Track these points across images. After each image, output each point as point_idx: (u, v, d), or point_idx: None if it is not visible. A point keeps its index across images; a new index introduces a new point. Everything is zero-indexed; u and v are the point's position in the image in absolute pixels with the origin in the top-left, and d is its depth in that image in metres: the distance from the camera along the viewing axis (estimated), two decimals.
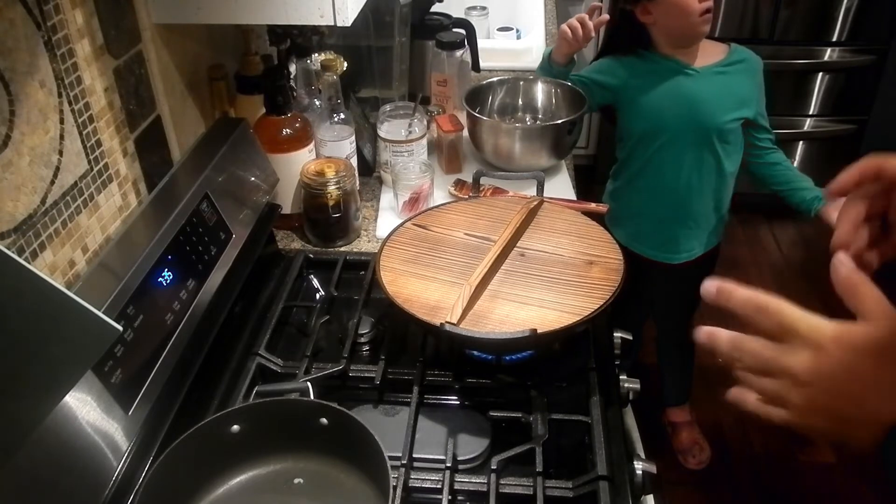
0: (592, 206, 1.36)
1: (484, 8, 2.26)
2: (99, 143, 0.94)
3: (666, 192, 1.67)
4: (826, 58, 2.82)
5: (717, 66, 1.59)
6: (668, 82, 1.58)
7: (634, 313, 2.07)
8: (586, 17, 1.54)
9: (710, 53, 1.60)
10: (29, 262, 0.73)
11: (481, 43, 1.86)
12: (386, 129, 1.48)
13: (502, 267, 1.08)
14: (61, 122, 0.86)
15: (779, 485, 2.10)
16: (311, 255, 1.29)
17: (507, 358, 1.04)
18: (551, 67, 1.64)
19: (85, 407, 0.76)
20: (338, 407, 0.87)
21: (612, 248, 1.10)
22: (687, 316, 2.02)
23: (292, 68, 1.41)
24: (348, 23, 1.02)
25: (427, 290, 1.03)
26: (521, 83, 1.73)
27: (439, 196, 1.46)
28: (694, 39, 1.56)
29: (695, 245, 1.75)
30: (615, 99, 1.65)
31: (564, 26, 1.55)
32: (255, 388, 0.98)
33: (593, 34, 1.55)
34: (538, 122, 1.70)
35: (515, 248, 1.12)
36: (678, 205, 1.68)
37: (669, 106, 1.59)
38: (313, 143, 1.35)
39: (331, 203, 1.29)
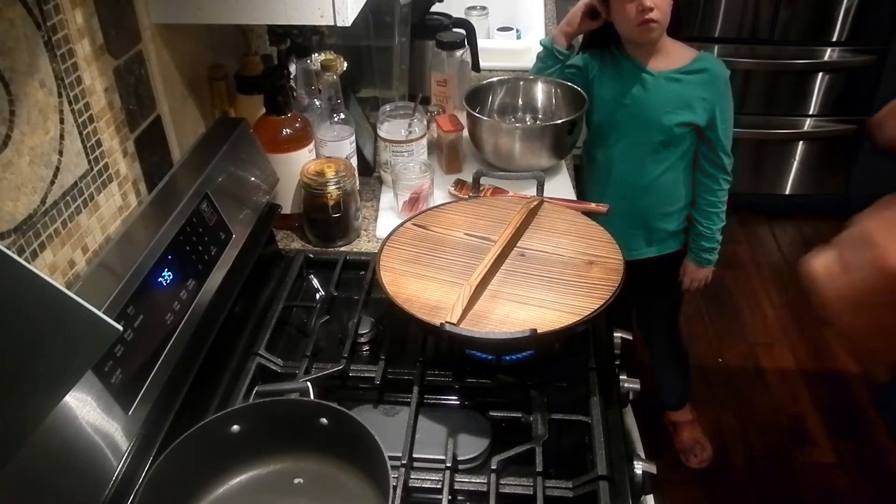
0: (592, 206, 1.36)
1: (484, 8, 2.26)
2: (99, 143, 0.94)
3: (612, 186, 1.71)
4: (826, 58, 2.82)
5: (674, 73, 1.60)
6: (624, 82, 1.62)
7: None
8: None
9: (674, 58, 1.61)
10: (29, 262, 0.73)
11: (481, 43, 1.86)
12: (386, 129, 1.48)
13: (502, 267, 1.08)
14: (61, 122, 0.86)
15: (779, 485, 2.10)
16: (311, 255, 1.29)
17: (507, 358, 1.04)
18: (553, 52, 1.66)
19: (85, 407, 0.76)
20: (338, 407, 0.87)
21: (612, 248, 1.10)
22: (666, 321, 2.03)
23: (292, 68, 1.41)
24: (348, 23, 1.02)
25: (427, 290, 1.03)
26: (521, 83, 1.73)
27: (439, 196, 1.46)
28: (642, 44, 1.58)
29: (643, 245, 1.77)
30: (587, 90, 1.68)
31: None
32: (255, 388, 0.98)
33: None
34: (538, 122, 1.70)
35: (515, 248, 1.12)
36: (623, 201, 1.70)
37: (620, 105, 1.63)
38: (313, 143, 1.35)
39: (331, 203, 1.29)
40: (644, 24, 1.51)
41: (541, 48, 1.71)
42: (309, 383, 0.95)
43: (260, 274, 1.22)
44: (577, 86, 1.63)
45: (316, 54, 1.46)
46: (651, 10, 1.48)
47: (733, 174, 1.69)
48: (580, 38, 1.68)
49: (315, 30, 1.39)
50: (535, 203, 1.20)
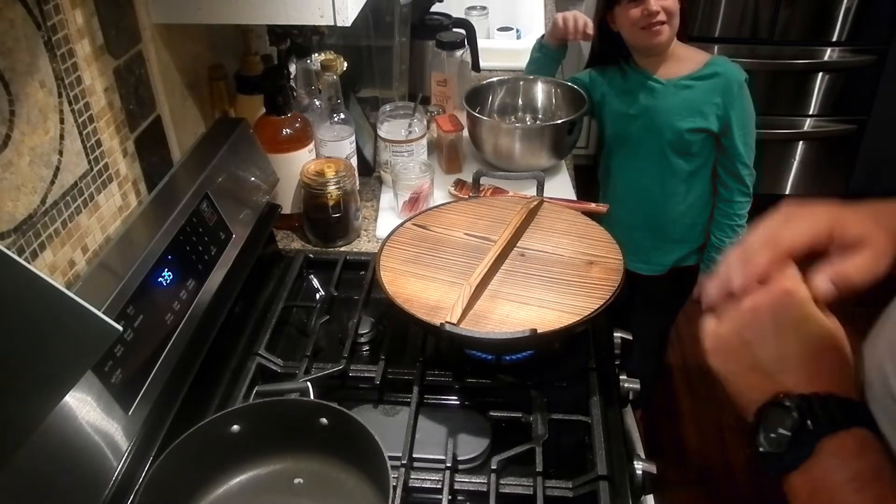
0: (592, 206, 1.36)
1: (484, 8, 2.26)
2: (99, 143, 0.94)
3: (633, 200, 1.69)
4: (826, 58, 2.82)
5: (684, 79, 1.57)
6: (634, 93, 1.60)
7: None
8: (581, 15, 1.58)
9: (685, 64, 1.58)
10: (29, 262, 0.73)
11: (481, 43, 1.86)
12: (386, 129, 1.48)
13: (502, 267, 1.08)
14: (61, 122, 0.86)
15: (779, 485, 2.09)
16: (311, 255, 1.29)
17: (507, 358, 1.04)
18: (543, 51, 1.66)
19: (85, 407, 0.76)
20: (338, 407, 0.87)
21: (612, 248, 1.10)
22: (660, 331, 2.02)
23: (292, 68, 1.41)
24: (348, 23, 1.02)
25: (427, 290, 1.03)
26: (521, 83, 1.73)
27: (439, 196, 1.46)
28: (651, 49, 1.55)
29: (665, 259, 1.75)
30: (596, 107, 1.67)
31: (559, 17, 1.60)
32: (255, 388, 0.98)
33: (590, 30, 1.59)
34: (538, 122, 1.70)
35: (515, 248, 1.12)
36: (645, 214, 1.69)
37: (631, 117, 1.61)
38: (313, 143, 1.35)
39: (331, 203, 1.29)
40: (649, 28, 1.48)
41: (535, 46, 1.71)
42: (309, 383, 0.95)
43: (260, 274, 1.22)
44: (593, 107, 1.63)
45: (316, 54, 1.46)
46: (657, 13, 1.46)
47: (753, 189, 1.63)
48: (585, 51, 1.67)
49: (315, 30, 1.39)
50: (535, 203, 1.20)
